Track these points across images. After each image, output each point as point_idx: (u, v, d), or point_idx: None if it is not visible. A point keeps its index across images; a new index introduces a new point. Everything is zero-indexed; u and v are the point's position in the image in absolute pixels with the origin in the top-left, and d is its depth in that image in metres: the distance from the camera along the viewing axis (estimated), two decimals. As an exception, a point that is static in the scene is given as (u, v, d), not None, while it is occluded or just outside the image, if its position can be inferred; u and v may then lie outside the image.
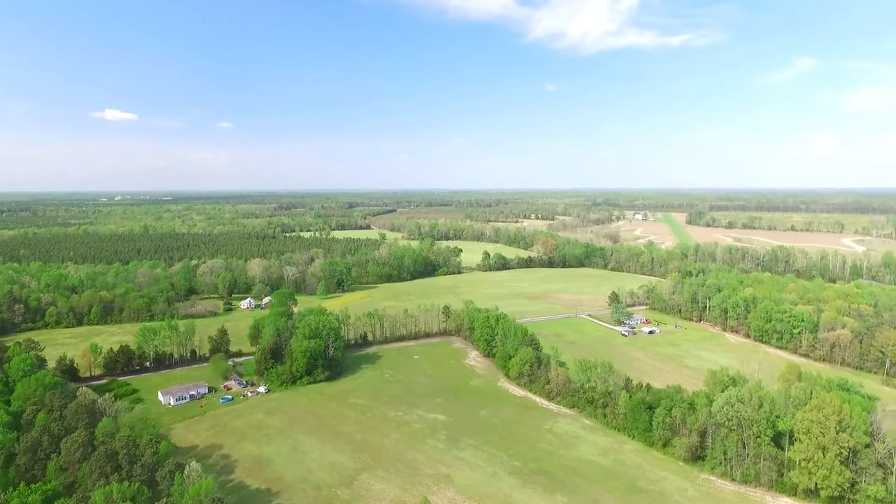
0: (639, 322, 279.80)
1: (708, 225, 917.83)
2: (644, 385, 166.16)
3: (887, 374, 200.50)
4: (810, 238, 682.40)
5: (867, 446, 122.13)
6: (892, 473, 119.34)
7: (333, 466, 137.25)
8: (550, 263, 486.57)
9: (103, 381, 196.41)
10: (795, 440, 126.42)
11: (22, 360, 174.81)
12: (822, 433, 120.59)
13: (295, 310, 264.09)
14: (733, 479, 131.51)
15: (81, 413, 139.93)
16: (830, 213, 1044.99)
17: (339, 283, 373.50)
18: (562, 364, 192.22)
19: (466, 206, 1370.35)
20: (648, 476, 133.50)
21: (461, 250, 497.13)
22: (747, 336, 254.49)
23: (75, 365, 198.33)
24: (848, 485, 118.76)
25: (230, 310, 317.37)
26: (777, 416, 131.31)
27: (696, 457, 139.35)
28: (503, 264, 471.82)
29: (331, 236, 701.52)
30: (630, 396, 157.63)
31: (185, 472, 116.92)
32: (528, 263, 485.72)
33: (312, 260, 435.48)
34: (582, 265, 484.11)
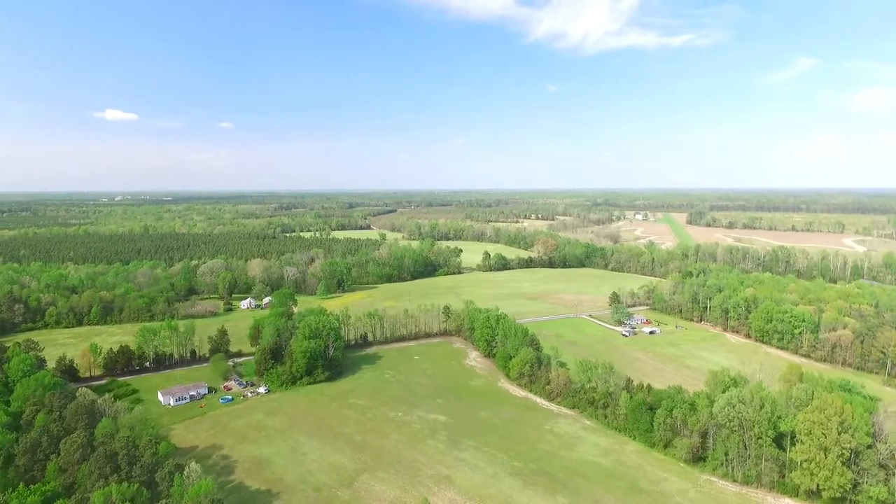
0: (639, 322, 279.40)
1: (708, 225, 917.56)
2: (645, 386, 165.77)
3: (889, 374, 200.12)
4: (811, 238, 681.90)
5: (869, 447, 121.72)
6: (894, 474, 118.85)
7: (333, 467, 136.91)
8: (551, 264, 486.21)
9: (103, 382, 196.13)
10: (797, 441, 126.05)
11: (21, 360, 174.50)
12: (823, 434, 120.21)
13: (295, 310, 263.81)
14: (734, 481, 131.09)
15: (81, 414, 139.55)
16: (831, 214, 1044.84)
17: (340, 284, 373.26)
18: (562, 364, 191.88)
19: (467, 207, 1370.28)
20: (649, 477, 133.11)
21: (461, 250, 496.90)
22: (748, 336, 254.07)
23: (75, 365, 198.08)
24: (850, 486, 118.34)
25: (230, 310, 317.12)
26: (778, 417, 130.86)
27: (698, 458, 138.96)
28: (503, 264, 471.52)
29: (331, 236, 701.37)
30: (631, 397, 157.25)
31: (185, 472, 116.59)
32: (528, 264, 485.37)
33: (313, 260, 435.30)
34: (582, 265, 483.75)
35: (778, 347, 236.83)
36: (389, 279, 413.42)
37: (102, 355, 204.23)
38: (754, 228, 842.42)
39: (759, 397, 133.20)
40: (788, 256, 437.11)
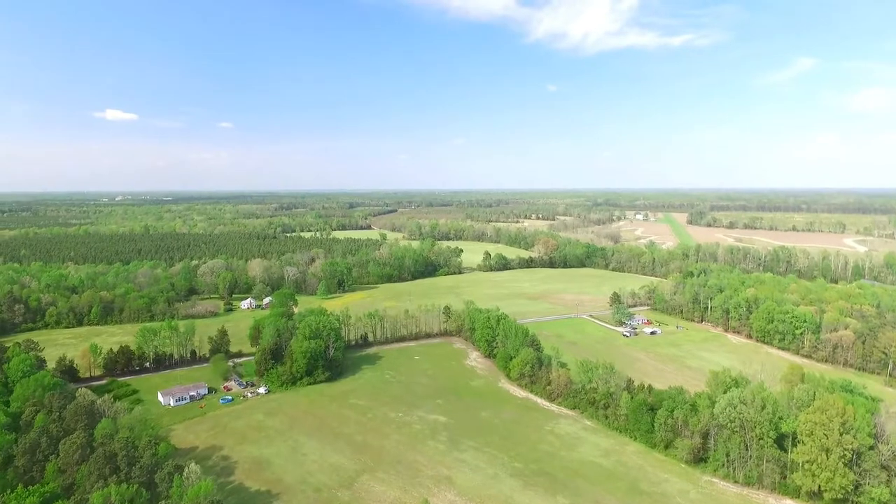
0: (640, 323, 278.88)
1: (709, 225, 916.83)
2: (646, 386, 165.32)
3: (890, 375, 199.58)
4: (812, 238, 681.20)
5: (871, 448, 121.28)
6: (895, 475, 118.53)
7: (334, 468, 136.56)
8: (551, 264, 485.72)
9: (103, 382, 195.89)
10: (798, 442, 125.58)
11: (21, 360, 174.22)
12: (825, 435, 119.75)
13: (295, 310, 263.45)
14: (736, 482, 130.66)
15: (80, 414, 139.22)
16: (832, 214, 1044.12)
17: (340, 284, 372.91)
18: (563, 365, 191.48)
19: (467, 207, 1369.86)
20: (650, 478, 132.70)
21: (462, 250, 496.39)
22: (749, 337, 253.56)
23: (75, 365, 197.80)
24: (852, 487, 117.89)
25: (230, 310, 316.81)
26: (780, 418, 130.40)
27: (699, 458, 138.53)
28: (504, 264, 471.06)
29: (331, 236, 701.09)
30: (632, 397, 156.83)
31: (185, 473, 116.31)
32: (528, 264, 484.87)
33: (313, 260, 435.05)
34: (583, 265, 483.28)
35: (779, 348, 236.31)
36: (390, 279, 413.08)
37: (102, 355, 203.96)
38: (755, 228, 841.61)
39: (760, 398, 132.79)
40: (789, 256, 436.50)
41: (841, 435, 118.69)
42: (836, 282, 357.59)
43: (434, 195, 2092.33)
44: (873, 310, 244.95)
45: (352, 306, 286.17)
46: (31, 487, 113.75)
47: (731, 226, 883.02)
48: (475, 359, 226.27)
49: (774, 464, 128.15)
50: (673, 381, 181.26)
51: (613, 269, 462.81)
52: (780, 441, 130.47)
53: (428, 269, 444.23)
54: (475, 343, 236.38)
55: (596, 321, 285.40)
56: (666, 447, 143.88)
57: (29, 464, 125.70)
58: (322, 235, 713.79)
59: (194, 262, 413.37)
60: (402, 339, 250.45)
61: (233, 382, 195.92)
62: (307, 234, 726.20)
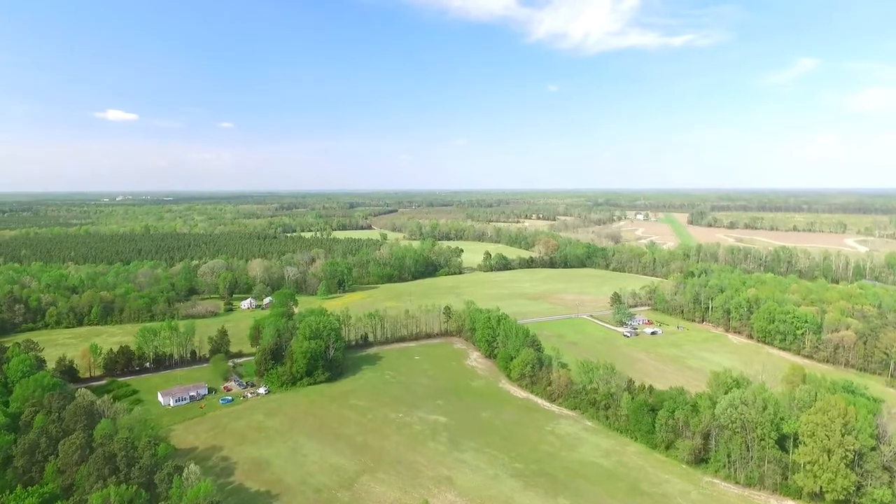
0: (641, 323, 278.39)
1: (710, 225, 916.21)
2: (646, 386, 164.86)
3: (892, 375, 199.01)
4: (813, 238, 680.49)
5: (873, 449, 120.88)
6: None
7: (334, 468, 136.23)
8: (552, 264, 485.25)
9: (103, 382, 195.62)
10: (800, 443, 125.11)
11: (21, 360, 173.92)
12: (827, 436, 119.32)
13: (296, 310, 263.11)
14: (737, 482, 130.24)
15: (80, 414, 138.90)
16: (833, 214, 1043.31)
17: (340, 284, 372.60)
18: (563, 365, 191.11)
19: (467, 207, 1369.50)
20: (651, 479, 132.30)
21: (462, 250, 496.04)
22: (750, 337, 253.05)
23: (75, 366, 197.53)
24: (853, 488, 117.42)
25: (231, 310, 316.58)
26: (781, 419, 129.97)
27: (700, 459, 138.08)
28: (504, 265, 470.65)
29: (332, 236, 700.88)
30: (632, 398, 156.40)
31: (184, 474, 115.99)
32: (529, 264, 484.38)
33: (313, 260, 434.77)
34: (583, 265, 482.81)
35: (780, 348, 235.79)
36: (390, 279, 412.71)
37: (102, 356, 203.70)
38: (756, 228, 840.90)
39: (761, 398, 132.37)
40: (790, 257, 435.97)
41: (842, 436, 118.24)
42: (837, 282, 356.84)
43: (434, 195, 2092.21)
44: (874, 310, 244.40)
45: (352, 306, 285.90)
46: (30, 488, 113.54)
47: (732, 226, 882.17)
48: (476, 359, 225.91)
49: (776, 465, 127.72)
50: (674, 381, 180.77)
51: (614, 270, 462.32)
52: (782, 442, 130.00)
53: (428, 269, 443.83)
54: (475, 343, 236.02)
55: (596, 321, 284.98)
56: (667, 448, 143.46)
57: (28, 464, 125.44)
58: (322, 235, 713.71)
59: (195, 262, 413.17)
60: (402, 339, 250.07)
61: (233, 383, 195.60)
62: (308, 234, 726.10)
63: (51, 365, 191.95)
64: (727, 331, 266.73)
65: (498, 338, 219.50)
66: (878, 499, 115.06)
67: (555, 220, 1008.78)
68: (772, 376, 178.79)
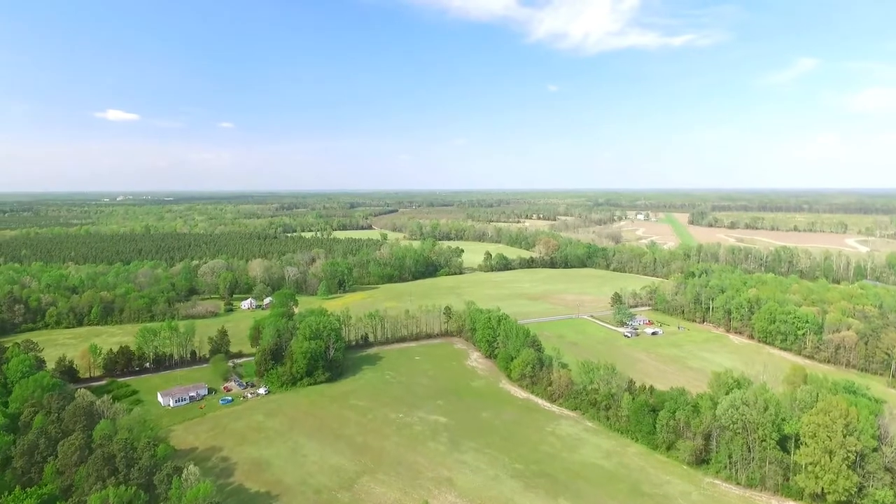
0: (641, 323, 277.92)
1: (710, 225, 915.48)
2: (647, 387, 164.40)
3: (893, 376, 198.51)
4: (813, 238, 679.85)
5: (874, 450, 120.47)
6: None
7: (334, 469, 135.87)
8: (552, 264, 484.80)
9: (103, 383, 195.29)
10: (801, 444, 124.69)
11: (21, 361, 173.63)
12: (828, 437, 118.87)
13: (296, 310, 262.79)
14: (738, 483, 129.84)
15: (79, 415, 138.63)
16: (833, 214, 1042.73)
17: (341, 284, 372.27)
18: (564, 366, 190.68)
19: (468, 207, 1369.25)
20: (652, 480, 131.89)
21: (463, 251, 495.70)
22: (751, 337, 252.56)
23: (75, 366, 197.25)
24: (855, 489, 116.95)
25: (231, 310, 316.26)
26: (782, 420, 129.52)
27: (701, 460, 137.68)
28: (505, 265, 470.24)
29: (332, 236, 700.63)
30: (633, 398, 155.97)
31: (184, 475, 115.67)
32: (529, 264, 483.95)
33: (314, 260, 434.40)
34: (584, 266, 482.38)
35: (781, 348, 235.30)
36: (390, 279, 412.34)
37: (102, 356, 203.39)
38: (756, 229, 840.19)
39: (762, 399, 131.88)
40: (791, 257, 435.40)
41: (844, 437, 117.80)
42: (838, 282, 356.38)
43: (435, 195, 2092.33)
44: (876, 310, 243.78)
45: (352, 306, 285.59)
46: (29, 489, 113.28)
47: (733, 226, 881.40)
48: (476, 359, 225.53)
49: (777, 466, 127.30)
50: (675, 381, 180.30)
51: (614, 270, 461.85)
52: (783, 443, 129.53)
53: (429, 269, 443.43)
54: (476, 343, 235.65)
55: (597, 322, 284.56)
56: (668, 449, 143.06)
57: (27, 465, 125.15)
58: (323, 235, 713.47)
59: (195, 262, 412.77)
60: (402, 339, 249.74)
61: (233, 383, 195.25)
62: (308, 235, 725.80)
63: (50, 365, 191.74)
64: (728, 331, 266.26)
65: (498, 338, 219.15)
66: (880, 500, 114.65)
67: (555, 220, 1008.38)
68: (773, 377, 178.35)
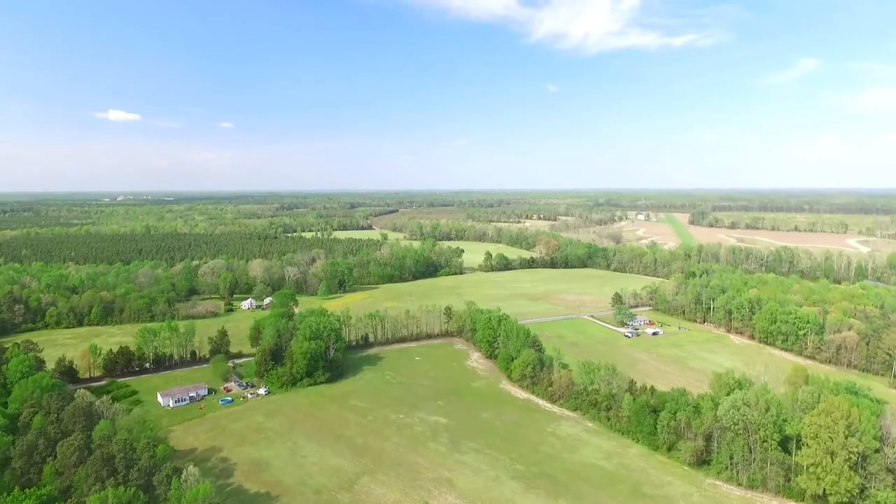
0: (642, 323, 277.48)
1: (711, 225, 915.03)
2: (648, 387, 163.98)
3: (895, 376, 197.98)
4: (814, 238, 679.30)
5: (876, 451, 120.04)
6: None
7: (334, 470, 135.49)
8: (553, 264, 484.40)
9: (102, 383, 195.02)
10: (803, 445, 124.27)
11: (20, 361, 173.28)
12: (830, 438, 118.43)
13: (296, 310, 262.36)
14: (739, 484, 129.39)
15: (78, 416, 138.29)
16: (834, 214, 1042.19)
17: (341, 284, 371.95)
18: (564, 366, 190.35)
19: (468, 207, 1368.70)
20: (653, 481, 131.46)
21: (463, 251, 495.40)
22: (752, 338, 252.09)
23: (74, 366, 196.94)
24: (857, 490, 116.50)
25: (231, 310, 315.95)
26: (784, 420, 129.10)
27: (702, 461, 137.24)
28: (505, 265, 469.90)
29: (332, 237, 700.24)
30: (634, 399, 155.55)
31: (183, 476, 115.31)
32: (530, 264, 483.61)
33: (314, 260, 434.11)
34: (584, 266, 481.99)
35: (782, 349, 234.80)
36: (391, 279, 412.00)
37: (102, 356, 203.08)
38: (757, 229, 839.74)
39: (764, 400, 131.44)
40: (792, 257, 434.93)
41: (846, 437, 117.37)
42: (839, 282, 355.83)
43: (435, 195, 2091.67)
44: (877, 310, 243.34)
45: (352, 307, 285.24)
46: (28, 490, 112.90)
47: (733, 226, 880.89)
48: (476, 360, 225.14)
49: (778, 466, 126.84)
50: (675, 382, 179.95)
51: (615, 270, 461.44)
52: (785, 443, 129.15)
53: (429, 269, 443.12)
54: (476, 344, 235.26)
55: (597, 322, 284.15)
56: (669, 449, 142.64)
57: (26, 466, 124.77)
58: (323, 235, 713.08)
59: (195, 263, 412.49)
60: (402, 339, 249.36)
61: (233, 383, 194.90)
62: (308, 235, 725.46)
63: (50, 365, 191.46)
64: (729, 331, 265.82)
65: (499, 338, 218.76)
66: (882, 501, 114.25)
67: (555, 220, 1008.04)
68: (774, 377, 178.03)
